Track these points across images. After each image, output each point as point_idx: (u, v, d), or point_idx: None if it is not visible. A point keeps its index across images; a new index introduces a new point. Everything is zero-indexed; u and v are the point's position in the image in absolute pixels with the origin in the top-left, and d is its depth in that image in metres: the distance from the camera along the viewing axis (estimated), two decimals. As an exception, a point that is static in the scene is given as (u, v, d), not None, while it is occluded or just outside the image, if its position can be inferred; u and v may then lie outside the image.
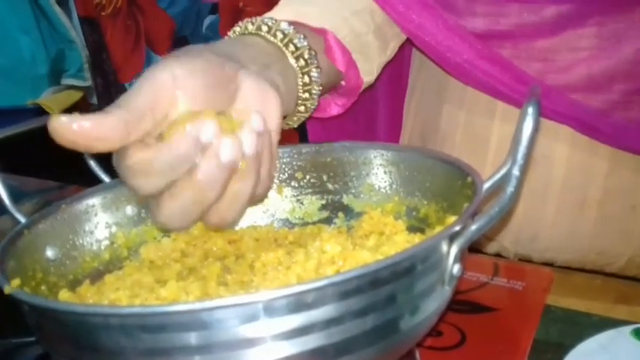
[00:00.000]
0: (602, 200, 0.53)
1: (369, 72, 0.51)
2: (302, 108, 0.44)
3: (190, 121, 0.30)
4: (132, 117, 0.29)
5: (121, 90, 1.41)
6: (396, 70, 0.63)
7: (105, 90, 1.44)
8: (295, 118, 0.45)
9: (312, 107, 0.44)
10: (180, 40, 1.36)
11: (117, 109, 0.29)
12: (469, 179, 0.35)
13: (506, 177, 0.28)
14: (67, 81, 1.63)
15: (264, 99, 0.34)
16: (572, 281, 0.53)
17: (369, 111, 0.65)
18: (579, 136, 0.52)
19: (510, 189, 0.28)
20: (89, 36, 1.45)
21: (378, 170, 0.44)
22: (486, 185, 0.33)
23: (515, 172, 0.27)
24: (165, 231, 0.44)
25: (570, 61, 0.50)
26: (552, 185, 0.54)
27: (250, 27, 0.42)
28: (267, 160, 0.34)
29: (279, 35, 0.41)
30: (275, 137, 0.35)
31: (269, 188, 0.36)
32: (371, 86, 0.58)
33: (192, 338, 0.26)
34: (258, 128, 0.32)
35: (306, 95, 0.43)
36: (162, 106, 0.31)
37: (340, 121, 0.55)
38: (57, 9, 1.62)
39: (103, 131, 0.28)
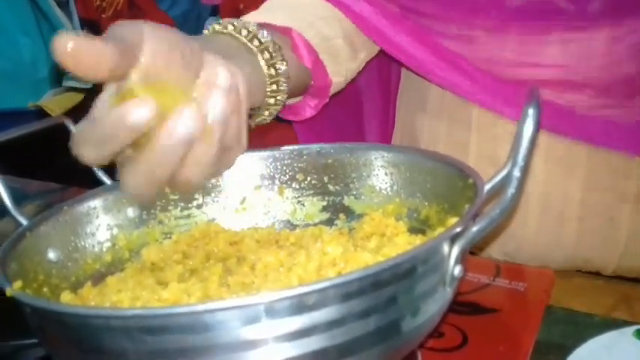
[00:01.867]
0: (581, 215, 0.54)
1: (337, 73, 0.52)
2: (272, 100, 0.45)
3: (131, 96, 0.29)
4: (120, 46, 0.29)
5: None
6: (383, 78, 0.64)
7: (106, 92, 1.44)
8: (267, 112, 0.46)
9: (282, 100, 0.45)
10: (181, 41, 1.36)
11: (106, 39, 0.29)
12: (470, 181, 0.35)
13: (506, 178, 0.28)
14: (68, 83, 1.63)
15: (230, 73, 0.34)
16: (574, 282, 0.53)
17: (357, 118, 0.65)
18: (554, 152, 0.53)
19: (511, 190, 0.28)
20: (90, 38, 1.45)
21: (379, 172, 0.44)
22: (487, 187, 0.33)
23: (516, 173, 0.27)
24: (167, 234, 0.44)
25: (538, 71, 0.51)
26: (530, 202, 0.55)
27: (217, 27, 0.44)
28: (235, 126, 0.34)
29: (244, 32, 0.43)
30: (244, 107, 0.35)
31: (238, 154, 0.36)
32: (358, 91, 0.59)
33: (194, 340, 0.26)
34: (225, 84, 0.32)
35: (274, 87, 0.44)
36: (131, 54, 0.30)
37: (330, 131, 0.56)
38: (58, 11, 1.62)
39: (99, 50, 0.28)
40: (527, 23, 0.50)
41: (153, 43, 0.31)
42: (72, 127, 0.42)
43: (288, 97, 0.46)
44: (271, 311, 0.26)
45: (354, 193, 0.45)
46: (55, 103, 1.53)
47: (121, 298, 0.33)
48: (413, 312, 0.29)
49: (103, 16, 1.42)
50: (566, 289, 0.50)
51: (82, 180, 0.50)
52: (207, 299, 0.32)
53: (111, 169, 0.44)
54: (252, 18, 0.47)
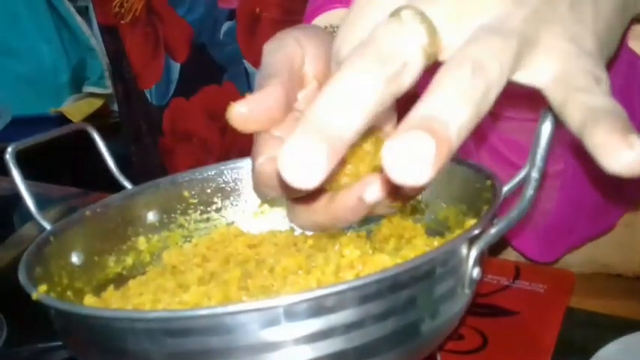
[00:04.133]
0: None
1: None
2: None
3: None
4: (283, 79, 0.29)
5: (140, 96, 1.43)
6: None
7: (125, 97, 1.45)
8: None
9: None
10: (198, 46, 1.37)
11: (268, 79, 0.29)
12: (488, 182, 0.35)
13: (525, 180, 0.28)
14: (88, 89, 1.65)
15: None
16: (595, 283, 0.53)
17: None
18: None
19: (530, 192, 0.28)
20: (109, 44, 1.47)
21: (396, 174, 0.44)
22: (505, 188, 0.33)
23: (535, 174, 0.27)
24: (188, 237, 0.45)
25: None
26: None
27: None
28: None
29: None
30: None
31: None
32: None
33: (216, 342, 0.26)
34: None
35: None
36: (298, 64, 0.30)
37: None
38: (77, 17, 1.65)
39: (269, 104, 0.28)
40: None
41: (310, 48, 0.30)
42: (94, 134, 0.43)
43: None
44: (290, 314, 0.26)
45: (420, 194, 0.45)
46: (76, 109, 1.56)
47: (143, 300, 0.34)
48: (431, 314, 0.29)
49: (122, 22, 1.44)
50: (587, 290, 0.50)
51: (103, 185, 0.51)
52: (227, 302, 0.32)
53: (131, 172, 0.44)
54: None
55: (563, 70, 0.23)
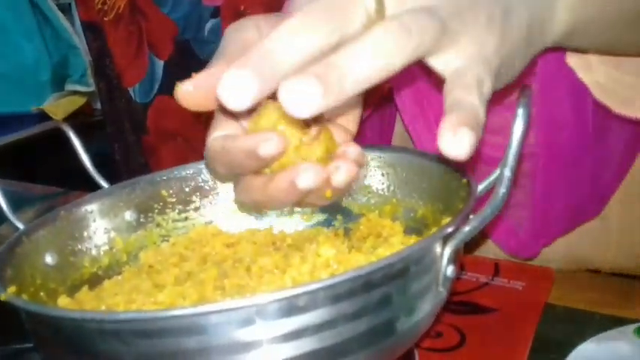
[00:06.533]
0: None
1: None
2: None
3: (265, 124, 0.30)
4: (232, 60, 0.29)
5: (124, 94, 1.42)
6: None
7: (108, 95, 1.44)
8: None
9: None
10: (182, 43, 1.36)
11: (218, 60, 0.31)
12: (464, 180, 0.35)
13: (498, 178, 0.28)
14: (70, 86, 1.63)
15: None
16: (575, 279, 0.53)
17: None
18: None
19: (502, 190, 0.28)
20: (92, 41, 1.45)
21: (375, 172, 0.44)
22: (480, 187, 0.33)
23: (507, 173, 0.27)
24: (165, 236, 0.44)
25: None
26: None
27: None
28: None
29: None
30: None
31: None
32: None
33: (186, 343, 0.26)
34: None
35: None
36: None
37: None
38: (60, 15, 1.63)
39: (213, 83, 0.29)
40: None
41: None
42: (70, 133, 0.43)
43: None
44: (263, 313, 0.26)
45: (351, 193, 0.45)
46: (58, 107, 1.54)
47: (117, 301, 0.33)
48: (405, 313, 0.29)
49: (105, 19, 1.42)
50: (566, 286, 0.50)
51: (84, 183, 0.50)
52: (202, 302, 0.32)
53: (108, 172, 0.44)
54: None
55: (463, 67, 0.28)
